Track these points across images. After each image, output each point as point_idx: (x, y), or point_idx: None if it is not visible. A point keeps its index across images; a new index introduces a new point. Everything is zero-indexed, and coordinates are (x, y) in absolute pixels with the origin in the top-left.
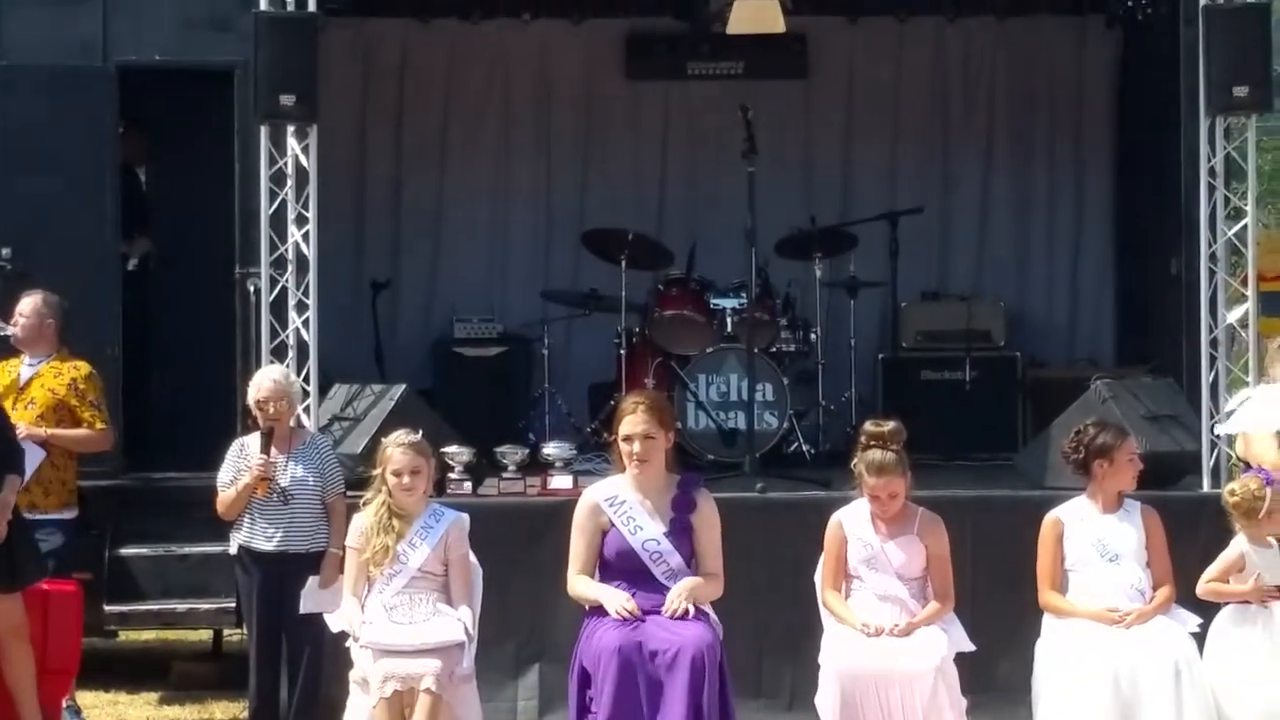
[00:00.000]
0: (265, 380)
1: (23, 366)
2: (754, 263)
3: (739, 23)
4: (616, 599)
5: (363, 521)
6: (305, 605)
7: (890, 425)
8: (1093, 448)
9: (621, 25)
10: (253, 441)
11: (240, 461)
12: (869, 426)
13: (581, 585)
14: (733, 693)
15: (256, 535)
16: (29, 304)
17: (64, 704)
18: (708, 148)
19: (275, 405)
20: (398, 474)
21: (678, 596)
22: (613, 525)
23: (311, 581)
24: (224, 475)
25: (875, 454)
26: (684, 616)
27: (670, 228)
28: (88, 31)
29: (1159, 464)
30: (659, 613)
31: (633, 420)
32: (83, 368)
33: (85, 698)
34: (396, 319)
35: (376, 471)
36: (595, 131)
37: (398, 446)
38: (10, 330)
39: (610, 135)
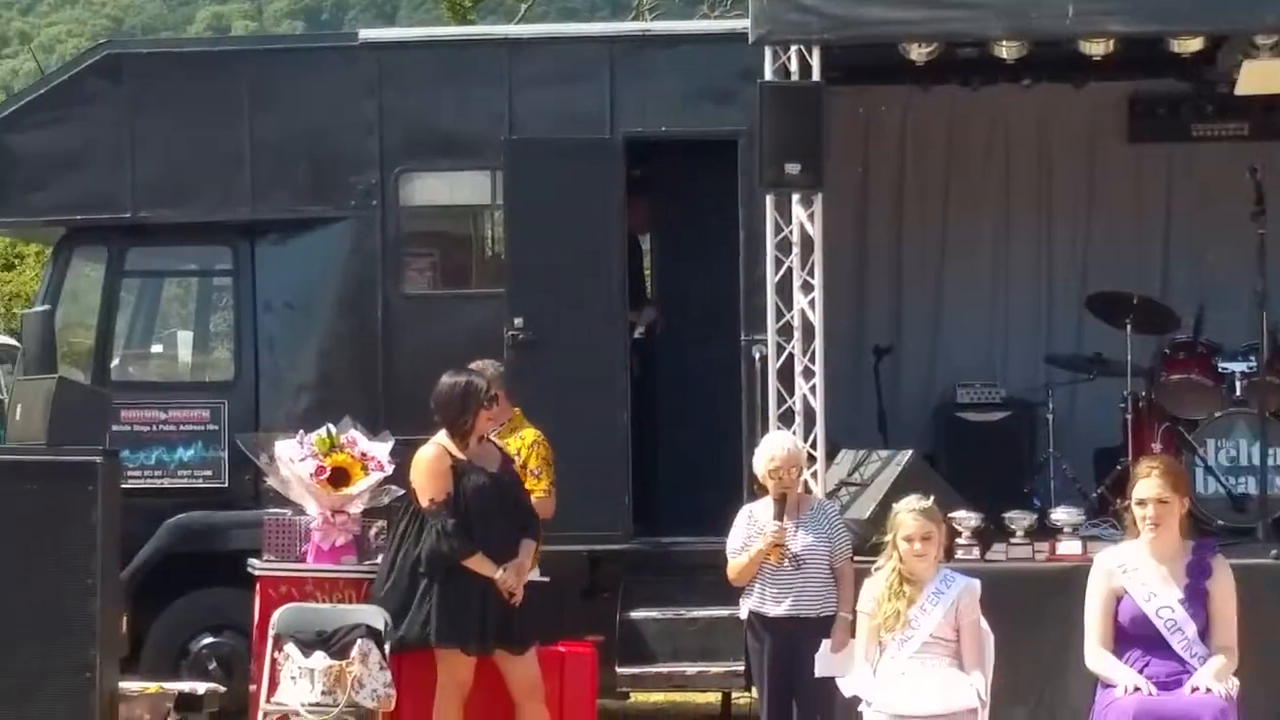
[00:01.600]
0: (778, 449)
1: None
2: (1264, 325)
3: (1249, 83)
4: (1127, 678)
5: (874, 587)
6: (820, 669)
7: None
8: None
9: (1124, 88)
10: (760, 508)
11: (749, 528)
12: None
13: (1096, 661)
14: None
15: (767, 600)
16: (496, 380)
17: None
18: (1212, 210)
19: (788, 473)
20: (909, 539)
21: (1205, 680)
22: (1126, 592)
23: (824, 645)
24: (733, 542)
25: None
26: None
27: (1174, 290)
28: (595, 105)
29: None
30: (1177, 683)
31: (1147, 484)
32: (528, 435)
33: None
34: (899, 384)
35: (886, 537)
36: (1097, 194)
37: (910, 512)
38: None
39: (1112, 198)
